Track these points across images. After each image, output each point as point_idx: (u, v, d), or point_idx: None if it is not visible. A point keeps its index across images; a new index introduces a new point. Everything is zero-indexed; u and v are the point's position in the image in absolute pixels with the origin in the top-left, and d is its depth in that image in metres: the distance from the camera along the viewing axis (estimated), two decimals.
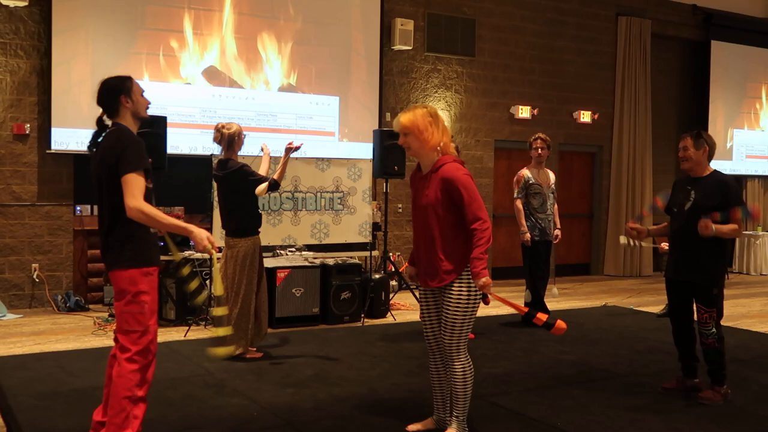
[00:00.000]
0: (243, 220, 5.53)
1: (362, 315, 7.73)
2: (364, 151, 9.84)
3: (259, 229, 5.66)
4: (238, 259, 5.44)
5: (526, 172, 7.23)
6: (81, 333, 7.02)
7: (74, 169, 8.38)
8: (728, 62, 13.25)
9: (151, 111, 7.95)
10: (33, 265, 8.23)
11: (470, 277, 3.71)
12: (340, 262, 7.76)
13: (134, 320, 3.40)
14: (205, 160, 8.70)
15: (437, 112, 3.84)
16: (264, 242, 7.50)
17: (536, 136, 7.43)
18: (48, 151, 8.15)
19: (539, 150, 7.31)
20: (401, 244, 10.36)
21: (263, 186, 5.46)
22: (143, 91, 3.64)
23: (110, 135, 3.51)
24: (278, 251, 8.02)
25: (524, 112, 11.28)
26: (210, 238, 3.40)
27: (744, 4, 13.43)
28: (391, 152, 8.39)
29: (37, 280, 8.23)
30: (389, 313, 8.12)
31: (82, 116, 8.22)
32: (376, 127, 10.00)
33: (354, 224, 7.87)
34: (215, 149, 8.79)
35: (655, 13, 12.47)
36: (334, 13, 9.66)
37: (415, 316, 8.24)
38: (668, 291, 5.02)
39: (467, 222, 3.69)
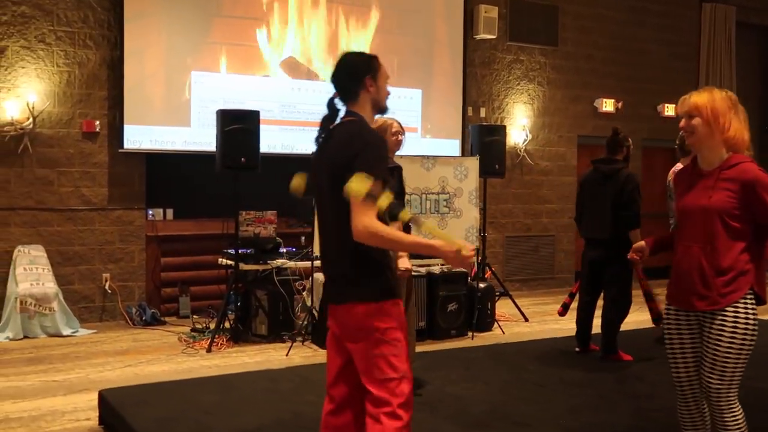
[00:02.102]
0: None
1: (472, 330, 7.04)
2: (448, 148, 9.13)
3: None
4: None
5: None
6: (170, 352, 6.33)
7: (146, 170, 7.70)
8: None
9: (234, 105, 7.37)
10: (104, 274, 7.54)
11: (753, 300, 2.99)
12: (445, 270, 7.05)
13: (388, 365, 2.63)
14: (292, 159, 8.06)
15: (738, 101, 3.11)
16: None
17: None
18: (120, 150, 7.46)
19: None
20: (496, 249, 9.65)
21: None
22: (389, 77, 2.93)
23: (345, 127, 2.76)
24: None
25: (608, 105, 10.55)
26: (464, 247, 2.60)
27: None
28: (490, 149, 7.69)
29: (109, 291, 7.54)
30: (496, 325, 7.42)
31: (156, 112, 7.54)
32: (459, 122, 9.31)
33: (461, 228, 7.15)
34: (296, 147, 8.24)
35: None
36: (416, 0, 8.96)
37: (523, 329, 7.54)
38: None
39: (763, 228, 3.00)
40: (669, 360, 3.23)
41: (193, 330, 6.98)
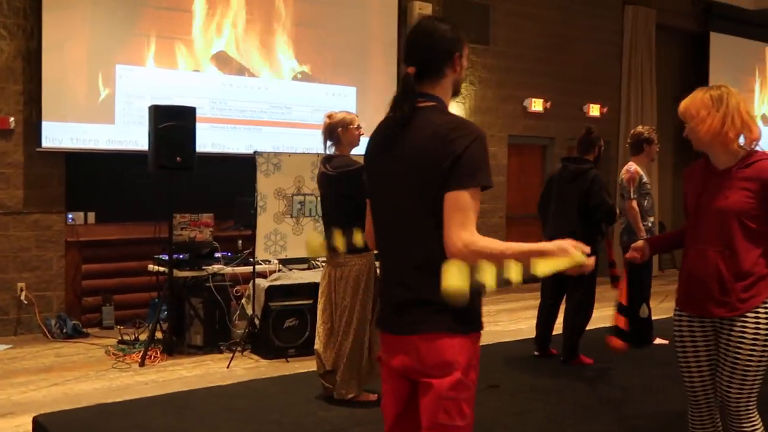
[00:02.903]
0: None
1: None
2: None
3: None
4: (350, 281, 4.42)
5: (639, 170, 6.27)
6: (99, 367, 5.85)
7: (66, 170, 7.14)
8: (726, 54, 12.89)
9: (162, 101, 6.89)
10: (19, 284, 6.94)
11: None
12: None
13: (458, 412, 2.16)
14: (224, 158, 7.67)
15: (727, 94, 2.92)
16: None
17: (650, 129, 6.53)
18: (38, 149, 6.88)
19: (657, 146, 6.46)
20: None
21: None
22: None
23: (432, 115, 2.19)
24: (313, 263, 7.01)
25: (537, 105, 10.55)
26: (575, 245, 2.15)
27: None
28: None
29: (25, 302, 6.94)
30: None
31: (77, 108, 7.01)
32: None
33: None
34: (227, 146, 7.82)
35: (660, 2, 11.96)
36: None
37: (494, 327, 7.37)
38: None
39: None
40: (681, 368, 3.08)
41: (121, 342, 6.51)
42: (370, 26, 8.89)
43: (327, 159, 4.62)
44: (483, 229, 8.62)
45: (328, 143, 4.62)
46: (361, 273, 4.42)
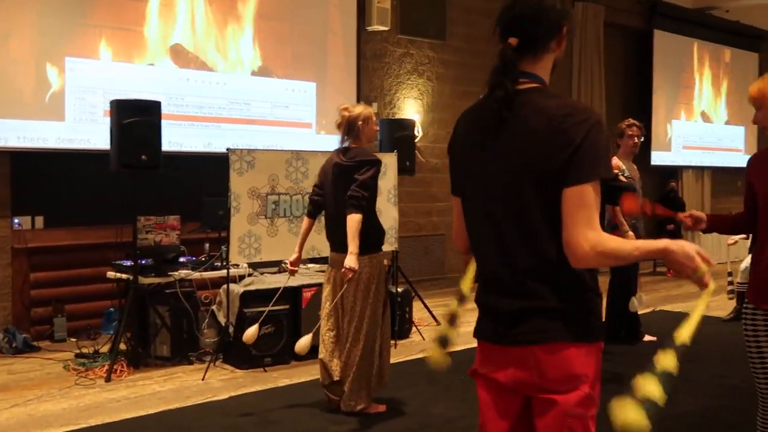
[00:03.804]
0: (367, 231, 4.21)
1: (394, 338, 6.57)
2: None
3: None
4: (360, 284, 4.12)
5: (619, 163, 6.17)
6: (61, 384, 5.37)
7: (12, 171, 6.60)
8: (668, 52, 13.09)
9: (116, 96, 6.43)
10: None
11: None
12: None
13: (584, 430, 1.91)
14: (187, 157, 7.26)
15: None
16: (286, 255, 6.21)
17: (630, 122, 6.42)
18: None
19: (635, 138, 6.32)
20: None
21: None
22: None
23: (541, 100, 1.93)
24: (283, 265, 6.67)
25: None
26: (701, 253, 1.82)
27: None
28: (400, 145, 7.25)
29: None
30: (416, 331, 7.00)
31: (23, 104, 6.48)
32: None
33: None
34: (184, 144, 7.35)
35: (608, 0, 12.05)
36: None
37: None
38: None
39: None
40: (758, 372, 2.90)
41: (80, 356, 6.03)
42: (329, 21, 8.58)
43: (342, 151, 4.35)
44: (442, 227, 8.44)
45: (345, 137, 4.33)
46: (372, 275, 4.14)
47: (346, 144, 4.36)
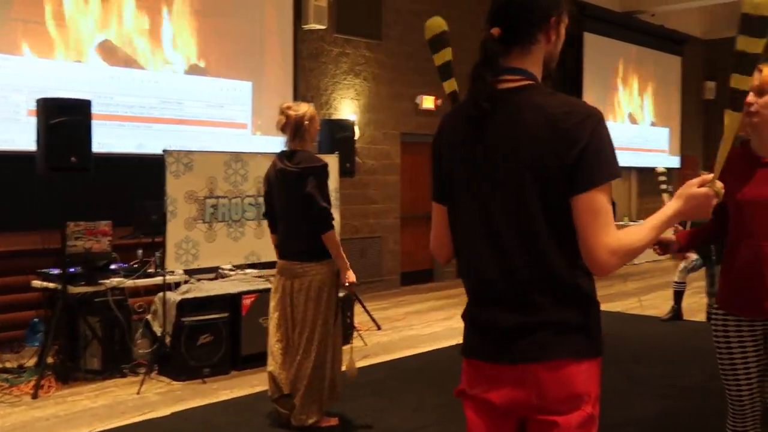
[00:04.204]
0: (316, 238, 4.02)
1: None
2: (280, 146, 8.38)
3: None
4: (311, 292, 3.94)
5: None
6: None
7: None
8: (597, 55, 13.30)
9: (41, 95, 6.06)
10: None
11: None
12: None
13: None
14: (120, 159, 6.93)
15: None
16: (225, 261, 6.01)
17: None
18: None
19: None
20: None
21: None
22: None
23: (537, 97, 1.78)
24: (221, 271, 6.44)
25: (428, 102, 10.38)
26: (697, 181, 1.84)
27: None
28: (340, 147, 7.11)
29: None
30: (358, 336, 6.86)
31: None
32: None
33: None
34: (114, 146, 6.99)
35: None
36: None
37: (382, 338, 7.03)
38: None
39: None
40: (728, 377, 2.82)
41: (3, 371, 5.66)
42: (265, 18, 8.36)
43: (287, 155, 4.14)
44: (378, 230, 8.28)
45: (292, 139, 4.14)
46: (323, 283, 3.97)
47: (291, 147, 4.16)
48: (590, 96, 13.14)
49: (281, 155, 4.21)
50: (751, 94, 2.64)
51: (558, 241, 1.75)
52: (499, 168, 1.78)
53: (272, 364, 4.02)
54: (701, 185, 1.85)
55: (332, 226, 4.02)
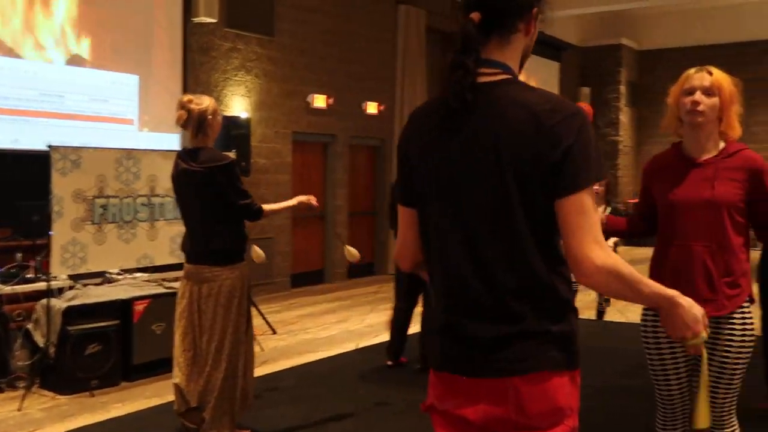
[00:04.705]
0: (228, 240, 3.77)
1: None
2: (168, 143, 8.03)
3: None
4: (221, 299, 3.68)
5: None
6: None
7: None
8: None
9: None
10: None
11: (749, 302, 2.73)
12: None
13: None
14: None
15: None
16: (115, 264, 5.66)
17: None
18: None
19: None
20: None
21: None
22: None
23: (516, 92, 1.67)
24: (108, 276, 6.06)
25: (320, 101, 10.22)
26: (704, 317, 1.77)
27: None
28: (236, 145, 6.86)
29: None
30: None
31: None
32: None
33: None
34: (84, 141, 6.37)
35: (428, 4, 12.20)
36: None
37: (278, 342, 6.82)
38: None
39: (766, 222, 2.73)
40: (657, 374, 2.81)
41: None
42: (153, 9, 7.97)
43: (190, 154, 3.85)
44: (269, 230, 8.10)
45: (195, 135, 3.86)
46: (234, 288, 3.73)
47: (193, 144, 3.89)
48: None
49: (184, 154, 3.93)
50: (699, 93, 2.68)
51: (539, 244, 1.65)
52: (479, 166, 1.66)
53: (178, 376, 3.76)
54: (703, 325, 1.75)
55: (260, 210, 3.81)
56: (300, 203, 4.04)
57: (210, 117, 3.83)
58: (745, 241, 2.74)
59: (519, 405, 1.65)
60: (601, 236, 1.63)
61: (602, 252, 1.61)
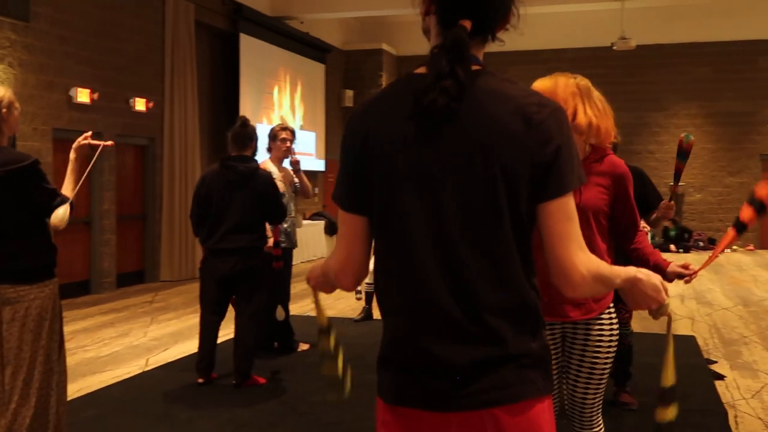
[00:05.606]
0: (34, 253, 3.15)
1: None
2: None
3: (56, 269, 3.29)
4: (28, 323, 3.05)
5: (272, 168, 5.89)
6: None
7: None
8: (253, 57, 13.23)
9: None
10: None
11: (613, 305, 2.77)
12: None
13: None
14: None
15: (590, 86, 2.71)
16: None
17: (284, 125, 6.22)
18: None
19: (288, 143, 6.08)
20: None
21: (63, 211, 3.23)
22: None
23: (496, 84, 1.51)
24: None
25: (83, 96, 9.34)
26: (664, 284, 1.61)
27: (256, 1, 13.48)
28: None
29: None
30: None
31: None
32: None
33: None
34: None
35: None
36: None
37: (86, 354, 6.05)
38: None
39: (626, 226, 2.76)
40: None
41: None
42: None
43: None
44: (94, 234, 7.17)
45: None
46: (44, 310, 3.15)
47: None
48: (246, 99, 13.05)
49: None
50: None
51: (520, 253, 1.50)
52: (464, 164, 1.48)
53: None
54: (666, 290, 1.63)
55: (70, 202, 3.29)
56: (78, 153, 3.51)
57: (5, 111, 3.25)
58: (610, 245, 2.82)
59: None
60: (584, 243, 1.53)
61: (585, 257, 1.51)
